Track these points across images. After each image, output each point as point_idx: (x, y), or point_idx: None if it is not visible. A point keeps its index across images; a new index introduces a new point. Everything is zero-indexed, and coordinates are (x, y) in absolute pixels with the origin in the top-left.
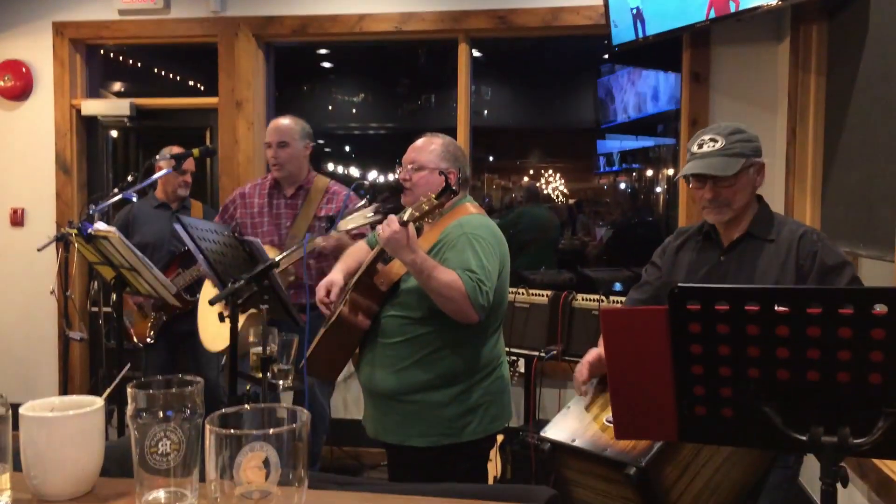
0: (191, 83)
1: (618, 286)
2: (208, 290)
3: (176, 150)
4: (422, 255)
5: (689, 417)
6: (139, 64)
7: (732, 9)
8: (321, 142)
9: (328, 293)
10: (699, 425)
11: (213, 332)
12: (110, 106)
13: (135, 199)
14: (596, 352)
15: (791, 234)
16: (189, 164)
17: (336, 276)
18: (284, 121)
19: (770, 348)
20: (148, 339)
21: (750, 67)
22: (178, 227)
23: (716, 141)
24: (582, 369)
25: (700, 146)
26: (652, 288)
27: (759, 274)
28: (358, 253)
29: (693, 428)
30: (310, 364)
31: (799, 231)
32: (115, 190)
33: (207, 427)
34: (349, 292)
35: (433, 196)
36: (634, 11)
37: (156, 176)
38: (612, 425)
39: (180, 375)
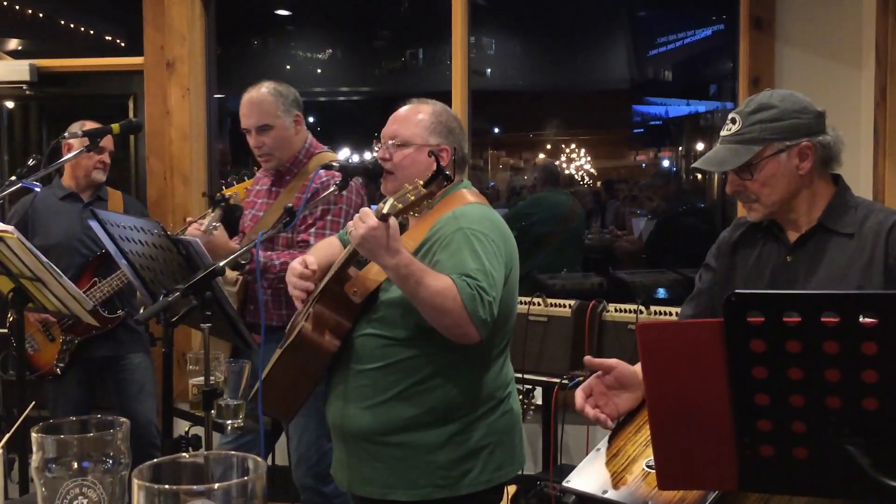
0: (108, 39)
1: (661, 292)
2: None
3: (89, 125)
4: (406, 258)
5: (751, 460)
6: (41, 15)
7: None
8: None
9: (307, 267)
10: (765, 470)
11: None
12: (4, 69)
13: (38, 189)
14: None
15: (878, 225)
16: (107, 143)
17: (310, 257)
18: (261, 90)
19: (854, 371)
20: (56, 370)
21: (827, 10)
22: (93, 223)
23: (734, 122)
24: (577, 398)
25: (723, 128)
26: (707, 298)
27: (837, 277)
28: (328, 250)
29: (757, 473)
30: (265, 397)
31: (889, 221)
32: (13, 178)
33: (135, 481)
34: (313, 304)
35: (420, 182)
36: None
37: (65, 158)
38: (653, 471)
39: (99, 415)
